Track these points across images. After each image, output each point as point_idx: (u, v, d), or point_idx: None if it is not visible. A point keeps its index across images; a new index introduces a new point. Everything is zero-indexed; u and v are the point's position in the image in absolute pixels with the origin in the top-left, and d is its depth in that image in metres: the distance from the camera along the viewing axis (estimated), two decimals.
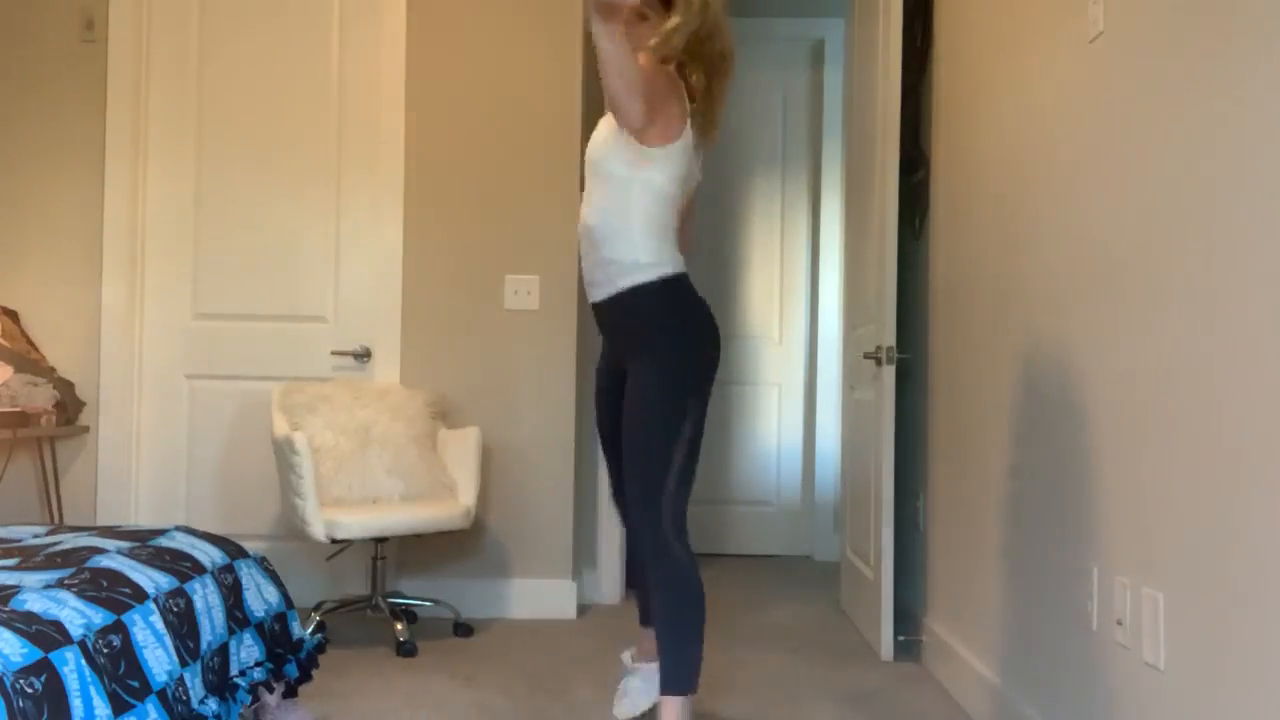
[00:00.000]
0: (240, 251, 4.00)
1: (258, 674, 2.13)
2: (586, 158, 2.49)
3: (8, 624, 1.48)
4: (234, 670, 2.05)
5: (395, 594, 3.70)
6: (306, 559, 3.81)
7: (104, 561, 1.86)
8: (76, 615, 1.61)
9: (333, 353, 3.97)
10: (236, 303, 4.00)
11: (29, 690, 1.41)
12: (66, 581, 1.71)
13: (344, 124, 4.00)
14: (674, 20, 2.33)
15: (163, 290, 4.01)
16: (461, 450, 3.66)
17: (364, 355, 3.97)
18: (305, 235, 4.00)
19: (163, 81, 4.00)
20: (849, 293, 4.22)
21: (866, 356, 3.53)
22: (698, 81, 2.44)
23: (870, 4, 3.72)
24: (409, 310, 3.94)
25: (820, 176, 5.29)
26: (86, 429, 3.91)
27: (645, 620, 2.68)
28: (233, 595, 2.13)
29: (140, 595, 1.79)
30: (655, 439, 2.36)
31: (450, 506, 3.48)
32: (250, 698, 2.06)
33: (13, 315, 3.87)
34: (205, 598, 2.00)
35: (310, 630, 2.82)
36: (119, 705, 1.56)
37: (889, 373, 3.35)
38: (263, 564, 2.34)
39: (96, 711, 1.51)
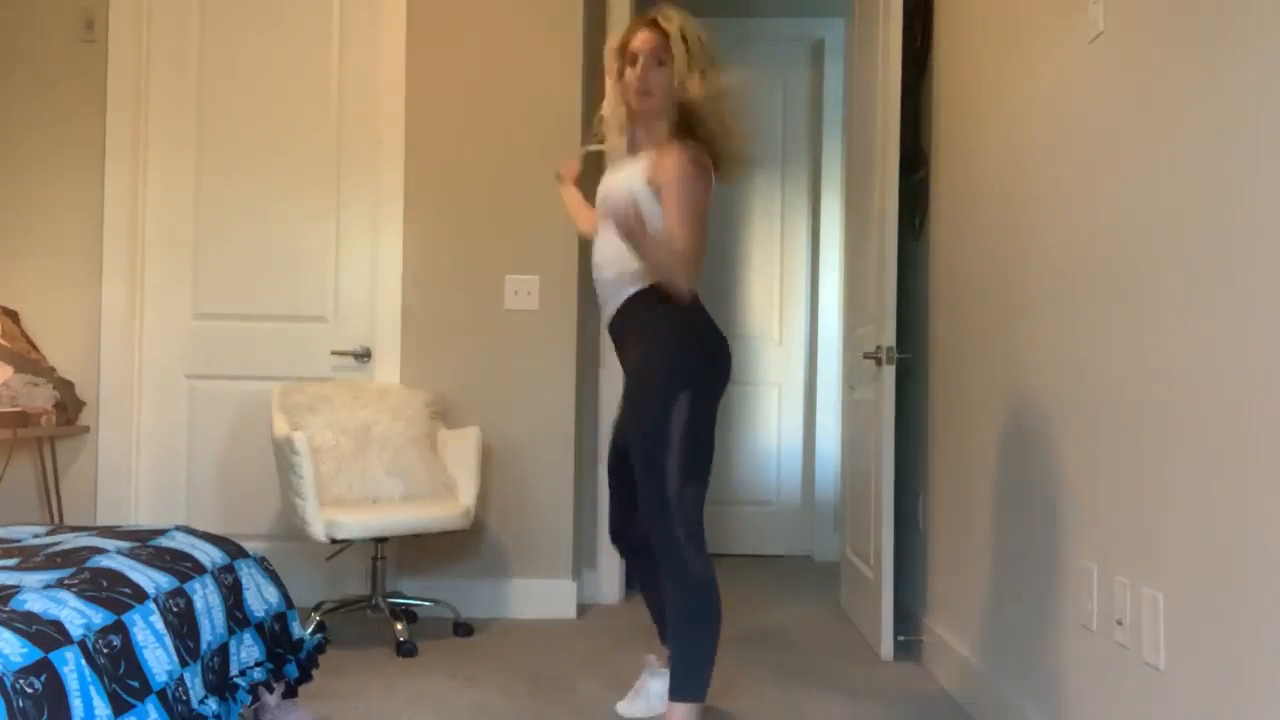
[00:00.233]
0: (240, 252, 4.00)
1: (258, 674, 2.13)
2: (603, 204, 2.53)
3: (8, 624, 1.48)
4: (234, 670, 2.05)
5: (395, 594, 3.70)
6: (306, 559, 3.81)
7: (104, 561, 1.86)
8: (76, 615, 1.61)
9: (333, 353, 3.97)
10: (236, 303, 4.00)
11: (29, 690, 1.41)
12: (66, 581, 1.71)
13: (344, 124, 4.00)
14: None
15: (163, 290, 4.00)
16: (461, 450, 3.66)
17: (364, 355, 3.96)
18: (305, 235, 4.00)
19: (163, 82, 4.00)
20: (849, 293, 4.22)
21: (866, 356, 3.53)
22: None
23: (870, 4, 3.72)
24: (409, 310, 3.94)
25: (820, 176, 5.29)
26: (86, 429, 3.91)
27: (665, 639, 2.67)
28: (233, 595, 2.13)
29: (140, 595, 1.79)
30: (650, 410, 2.42)
31: (450, 506, 3.48)
32: (250, 698, 2.06)
33: (13, 315, 3.87)
34: (205, 598, 2.00)
35: (310, 630, 2.82)
36: (119, 705, 1.56)
37: (889, 373, 3.35)
38: (263, 564, 2.34)
39: (96, 711, 1.51)
